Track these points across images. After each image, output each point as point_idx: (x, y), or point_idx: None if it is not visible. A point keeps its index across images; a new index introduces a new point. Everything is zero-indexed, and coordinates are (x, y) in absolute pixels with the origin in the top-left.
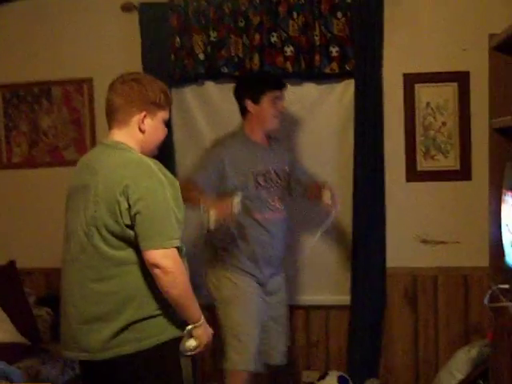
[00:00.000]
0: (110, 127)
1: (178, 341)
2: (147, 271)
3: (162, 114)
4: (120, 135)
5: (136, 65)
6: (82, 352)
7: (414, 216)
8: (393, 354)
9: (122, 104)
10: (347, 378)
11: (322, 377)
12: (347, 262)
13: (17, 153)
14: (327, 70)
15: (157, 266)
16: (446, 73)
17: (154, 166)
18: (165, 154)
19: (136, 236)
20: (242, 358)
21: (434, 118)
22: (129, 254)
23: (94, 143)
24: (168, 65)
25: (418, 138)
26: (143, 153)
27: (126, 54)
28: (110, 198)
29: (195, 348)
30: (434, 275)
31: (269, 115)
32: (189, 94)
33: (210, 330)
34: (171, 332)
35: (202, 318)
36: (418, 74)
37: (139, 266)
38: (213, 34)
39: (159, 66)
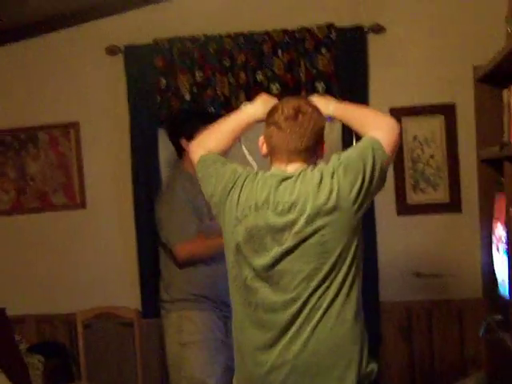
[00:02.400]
0: (290, 161)
1: None
2: None
3: None
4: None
5: (122, 107)
6: None
7: (406, 249)
8: None
9: (308, 146)
10: None
11: None
12: None
13: (4, 200)
14: None
15: None
16: (431, 106)
17: None
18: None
19: None
20: None
21: (422, 150)
22: None
23: (82, 187)
24: (154, 106)
25: (407, 172)
26: None
27: (112, 97)
28: None
29: None
30: (429, 308)
31: None
32: None
33: None
34: None
35: None
36: (405, 108)
37: None
38: (198, 74)
39: (145, 108)
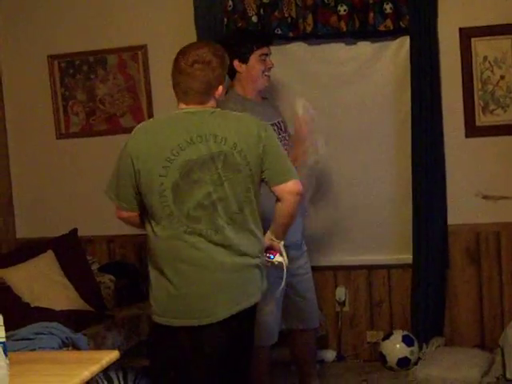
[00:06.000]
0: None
1: None
2: None
3: None
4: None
5: (189, 30)
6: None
7: (474, 172)
8: (457, 312)
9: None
10: (412, 337)
11: (387, 337)
12: (409, 221)
13: (75, 122)
14: (381, 28)
15: (298, 194)
16: (502, 25)
17: None
18: None
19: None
20: (259, 334)
21: (492, 71)
22: None
23: (150, 110)
24: (221, 28)
25: (476, 93)
26: None
27: (179, 19)
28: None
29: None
30: (497, 231)
31: (259, 73)
32: None
33: None
34: None
35: None
36: (475, 28)
37: None
38: None
39: (212, 30)
